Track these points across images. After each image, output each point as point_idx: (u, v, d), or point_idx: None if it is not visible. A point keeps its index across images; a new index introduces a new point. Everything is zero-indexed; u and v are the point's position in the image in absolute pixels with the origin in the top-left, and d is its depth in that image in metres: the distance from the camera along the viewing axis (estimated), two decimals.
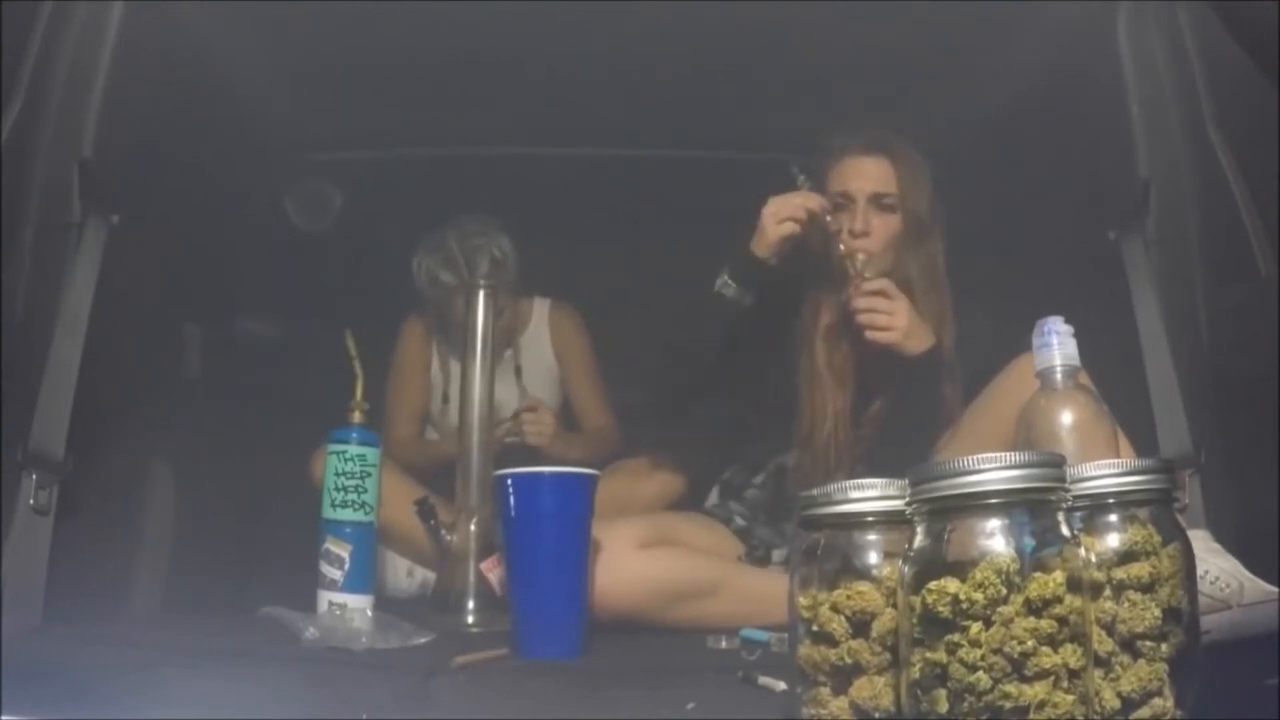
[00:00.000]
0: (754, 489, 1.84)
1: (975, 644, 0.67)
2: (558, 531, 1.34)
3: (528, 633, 1.33)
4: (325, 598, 1.43)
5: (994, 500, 0.70)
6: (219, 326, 2.13)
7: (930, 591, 0.69)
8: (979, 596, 0.67)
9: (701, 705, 0.96)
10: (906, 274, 1.72)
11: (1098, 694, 0.73)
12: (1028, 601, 0.68)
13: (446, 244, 2.16)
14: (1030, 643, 0.67)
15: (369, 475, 1.48)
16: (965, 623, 0.68)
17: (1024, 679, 0.67)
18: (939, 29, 1.79)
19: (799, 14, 1.76)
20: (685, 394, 1.82)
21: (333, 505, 1.46)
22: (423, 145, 2.31)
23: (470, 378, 1.73)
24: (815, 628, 0.78)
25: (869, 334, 1.62)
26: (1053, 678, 0.67)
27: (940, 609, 0.68)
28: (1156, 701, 0.76)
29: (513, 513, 1.34)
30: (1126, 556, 0.79)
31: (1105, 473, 0.81)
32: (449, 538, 1.66)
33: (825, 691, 0.78)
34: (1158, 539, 0.79)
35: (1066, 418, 1.01)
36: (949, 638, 0.68)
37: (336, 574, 1.43)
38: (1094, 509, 0.80)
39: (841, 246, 1.68)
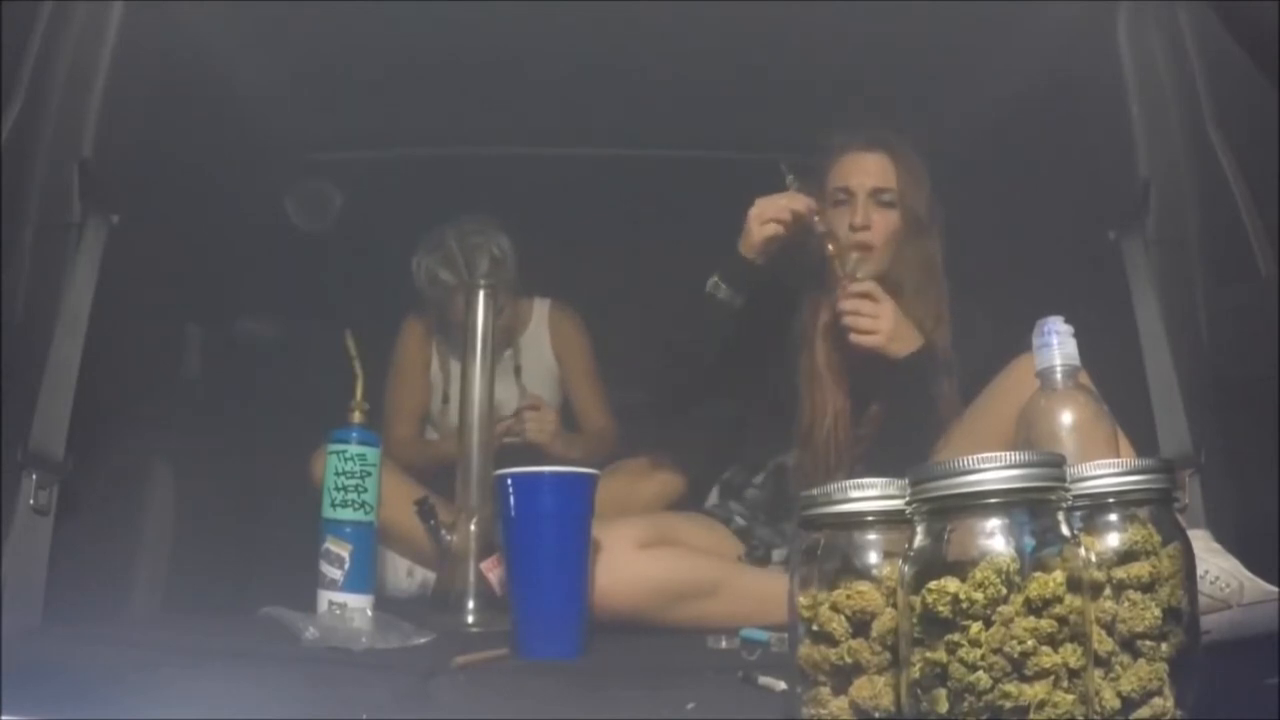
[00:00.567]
0: (754, 489, 1.84)
1: (975, 644, 0.67)
2: (558, 531, 1.34)
3: (528, 633, 1.33)
4: (325, 598, 1.43)
5: (994, 500, 0.70)
6: (219, 326, 2.13)
7: (930, 591, 0.69)
8: (979, 596, 0.67)
9: (701, 705, 0.96)
10: (904, 271, 1.72)
11: (1098, 694, 0.73)
12: (1028, 601, 0.68)
13: (446, 243, 2.16)
14: (1030, 642, 0.67)
15: (369, 475, 1.48)
16: (965, 622, 0.68)
17: (1024, 679, 0.67)
18: (939, 29, 1.79)
19: (799, 14, 1.76)
20: (685, 394, 1.82)
21: (333, 505, 1.46)
22: (423, 145, 2.31)
23: (470, 378, 1.73)
24: (815, 628, 0.78)
25: (852, 337, 1.63)
26: (1053, 677, 0.67)
27: (940, 609, 0.68)
28: (1156, 701, 0.76)
29: (513, 513, 1.34)
30: (1126, 556, 0.79)
31: (1105, 473, 0.81)
32: (449, 538, 1.66)
33: (825, 691, 0.78)
34: (1158, 539, 0.79)
35: (1066, 418, 1.01)
36: (949, 637, 0.68)
37: (336, 574, 1.43)
38: (1094, 509, 0.80)
39: (830, 247, 1.68)
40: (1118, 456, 0.96)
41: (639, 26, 1.81)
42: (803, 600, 0.80)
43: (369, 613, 1.42)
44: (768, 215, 1.65)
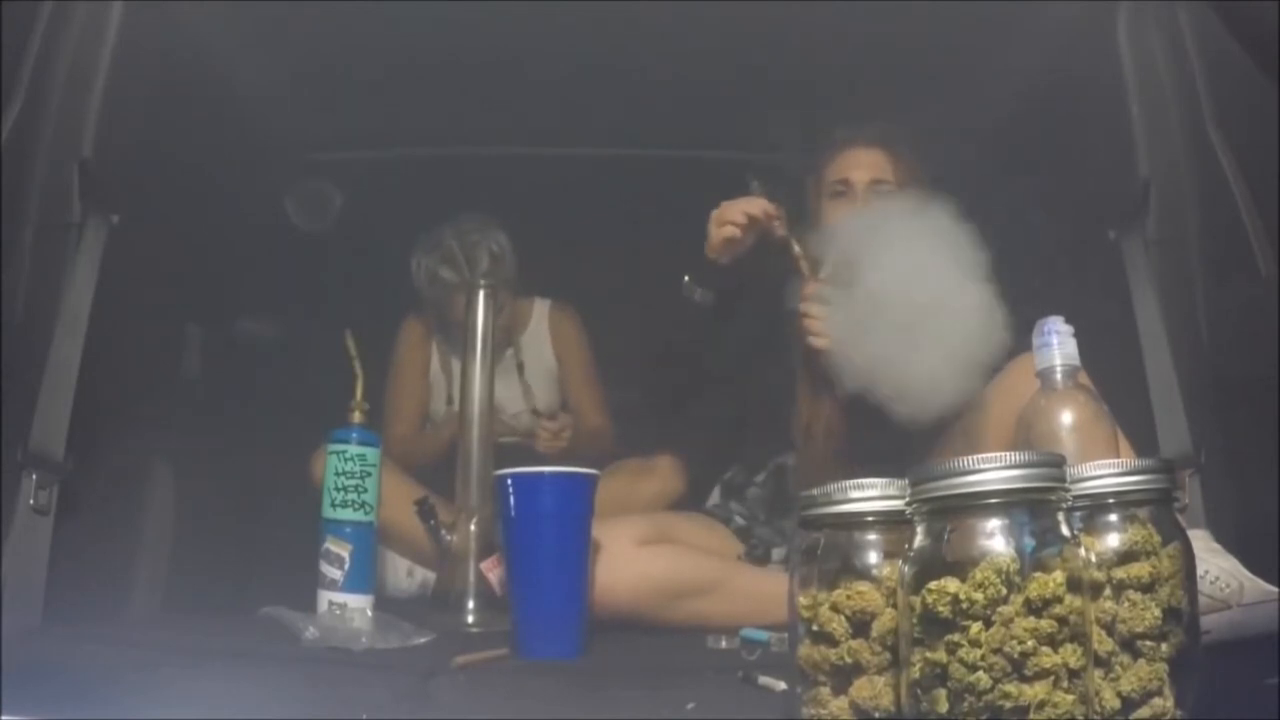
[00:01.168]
0: (755, 488, 1.84)
1: (975, 644, 0.67)
2: (558, 531, 1.34)
3: (528, 633, 1.33)
4: (325, 598, 1.43)
5: (994, 500, 0.70)
6: (219, 326, 2.13)
7: (930, 591, 0.69)
8: (979, 596, 0.67)
9: (701, 705, 0.96)
10: None
11: (1098, 694, 0.73)
12: (1028, 601, 0.68)
13: (445, 242, 2.17)
14: (1030, 643, 0.67)
15: (369, 475, 1.48)
16: (965, 623, 0.68)
17: (1024, 679, 0.67)
18: (939, 29, 1.79)
19: (799, 14, 1.76)
20: (682, 392, 1.83)
21: (333, 505, 1.46)
22: (423, 145, 2.31)
23: (470, 377, 1.73)
24: (815, 628, 0.78)
25: (808, 339, 1.64)
26: (1053, 678, 0.67)
27: (940, 609, 0.68)
28: (1156, 701, 0.76)
29: (513, 513, 1.34)
30: (1126, 556, 0.78)
31: (1105, 473, 0.81)
32: (449, 538, 1.66)
33: (825, 691, 0.78)
34: (1158, 539, 0.79)
35: (1066, 418, 1.01)
36: (949, 638, 0.68)
37: (336, 574, 1.43)
38: (1094, 509, 0.80)
39: (796, 248, 1.69)
40: (1118, 456, 0.96)
41: (639, 26, 1.81)
42: (803, 600, 0.80)
43: (369, 613, 1.42)
44: (725, 218, 1.68)
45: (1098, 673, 0.74)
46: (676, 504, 1.99)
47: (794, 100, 2.04)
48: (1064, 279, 1.84)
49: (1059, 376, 1.02)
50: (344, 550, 1.44)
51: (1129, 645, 0.77)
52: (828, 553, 0.80)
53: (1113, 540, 0.79)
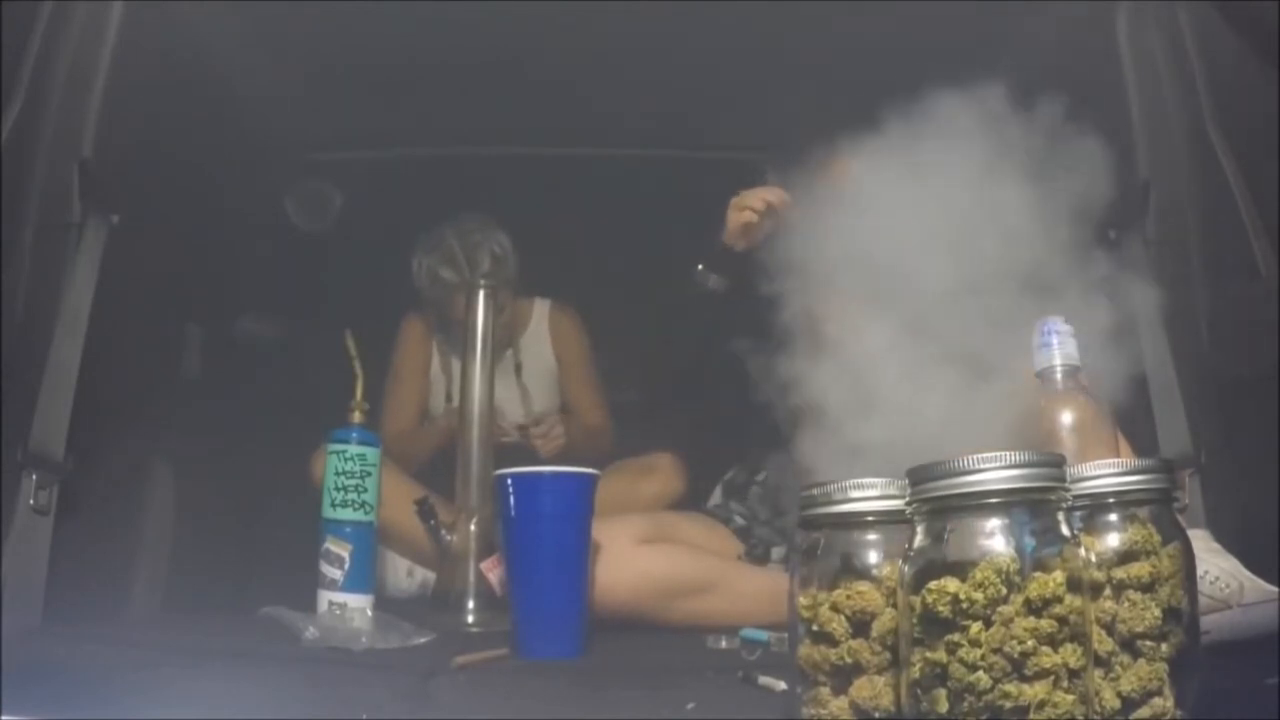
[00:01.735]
0: (756, 487, 1.84)
1: (975, 644, 0.67)
2: (558, 531, 1.34)
3: (528, 633, 1.33)
4: (325, 598, 1.43)
5: (994, 500, 0.69)
6: (219, 326, 2.13)
7: (930, 591, 0.69)
8: (979, 596, 0.67)
9: (701, 705, 0.96)
10: None
11: (1098, 694, 0.73)
12: (1028, 601, 0.68)
13: (447, 242, 2.17)
14: (1030, 642, 0.67)
15: (369, 475, 1.48)
16: (965, 622, 0.68)
17: (1024, 679, 0.67)
18: (939, 29, 1.79)
19: (799, 14, 1.76)
20: (687, 389, 1.83)
21: (333, 505, 1.46)
22: (423, 145, 2.31)
23: (470, 377, 1.73)
24: (815, 628, 0.78)
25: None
26: (1053, 678, 0.67)
27: (940, 609, 0.68)
28: (1156, 701, 0.76)
29: (513, 513, 1.34)
30: (1126, 556, 0.78)
31: (1105, 473, 0.81)
32: (449, 538, 1.66)
33: (825, 691, 0.78)
34: (1158, 539, 0.79)
35: (1066, 418, 1.01)
36: (949, 638, 0.68)
37: (336, 574, 1.43)
38: (1094, 509, 0.80)
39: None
40: (1118, 457, 0.96)
41: (639, 26, 1.81)
42: (803, 600, 0.80)
43: (369, 613, 1.42)
44: (744, 204, 1.71)
45: (1098, 673, 0.74)
46: (676, 504, 1.99)
47: (793, 100, 2.03)
48: (1064, 278, 1.83)
49: (1059, 376, 1.02)
50: (344, 550, 1.44)
51: (1129, 645, 0.77)
52: (828, 552, 0.80)
53: (1113, 540, 0.79)
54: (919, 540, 0.72)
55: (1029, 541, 0.69)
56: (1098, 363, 1.12)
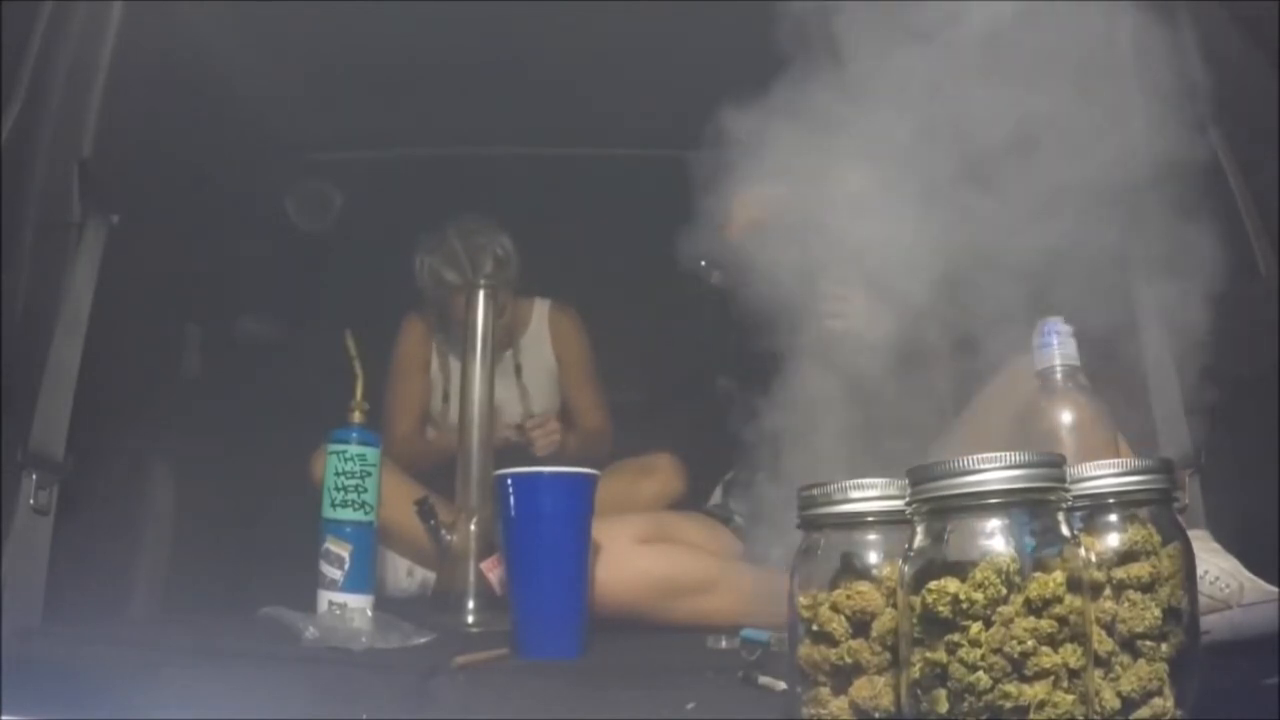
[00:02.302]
0: (757, 487, 1.84)
1: (975, 644, 0.67)
2: (558, 531, 1.34)
3: (528, 633, 1.33)
4: (325, 598, 1.43)
5: (994, 500, 0.69)
6: (219, 326, 2.13)
7: (930, 591, 0.69)
8: (979, 596, 0.67)
9: (701, 705, 0.96)
10: None
11: (1098, 694, 0.73)
12: (1028, 601, 0.68)
13: (449, 243, 2.17)
14: (1030, 643, 0.67)
15: (369, 475, 1.48)
16: (965, 623, 0.68)
17: (1024, 679, 0.67)
18: (939, 29, 1.79)
19: (798, 14, 1.76)
20: (687, 389, 1.83)
21: (333, 505, 1.46)
22: (423, 145, 2.31)
23: (470, 377, 1.73)
24: (815, 628, 0.78)
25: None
26: (1053, 678, 0.67)
27: (940, 609, 0.68)
28: (1156, 701, 0.76)
29: (513, 513, 1.34)
30: (1126, 556, 0.78)
31: (1105, 473, 0.81)
32: (449, 538, 1.66)
33: (825, 691, 0.78)
34: (1158, 539, 0.79)
35: (1066, 418, 1.01)
36: (949, 638, 0.68)
37: (336, 574, 1.43)
38: (1094, 509, 0.80)
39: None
40: (1117, 457, 0.96)
41: (639, 26, 1.81)
42: (803, 600, 0.80)
43: (369, 613, 1.42)
44: (748, 204, 1.70)
45: (1098, 673, 0.74)
46: (676, 504, 1.99)
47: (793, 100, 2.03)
48: (1065, 276, 1.83)
49: (1059, 376, 1.02)
50: (344, 550, 1.44)
51: (1129, 645, 0.77)
52: (828, 553, 0.80)
53: (1113, 540, 0.79)
54: (919, 540, 0.72)
55: (1029, 542, 0.69)
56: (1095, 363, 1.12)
